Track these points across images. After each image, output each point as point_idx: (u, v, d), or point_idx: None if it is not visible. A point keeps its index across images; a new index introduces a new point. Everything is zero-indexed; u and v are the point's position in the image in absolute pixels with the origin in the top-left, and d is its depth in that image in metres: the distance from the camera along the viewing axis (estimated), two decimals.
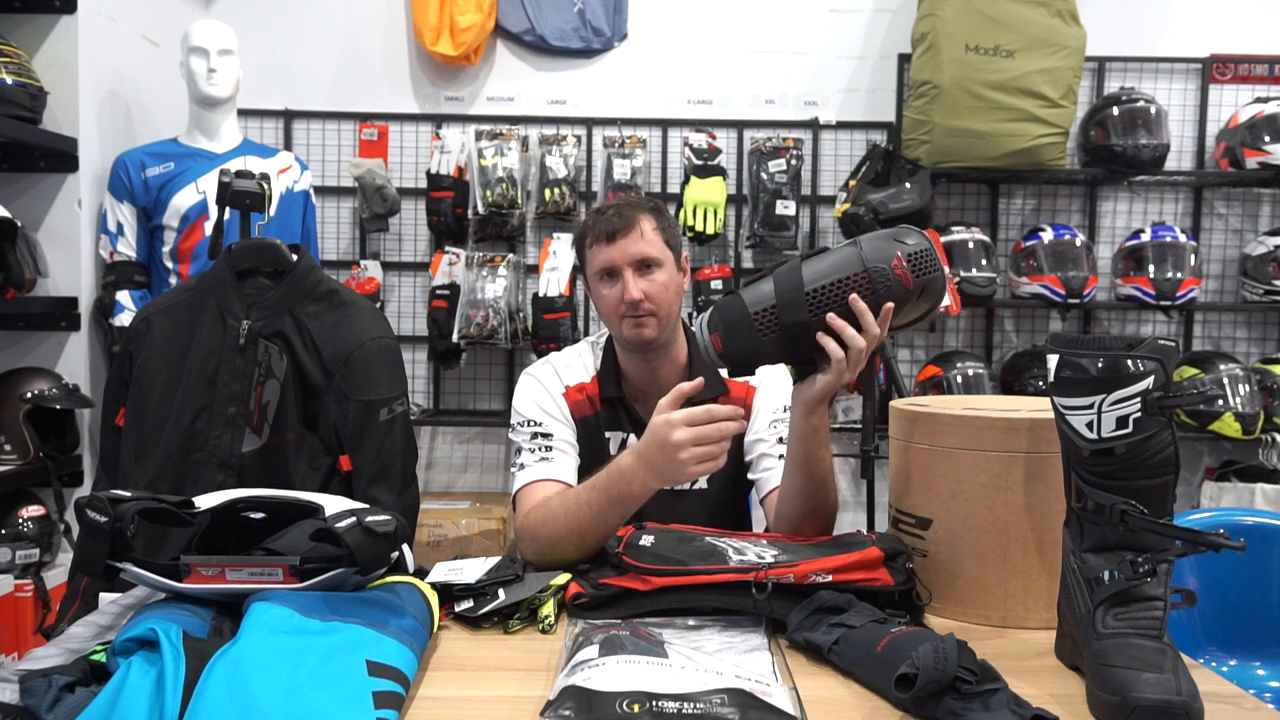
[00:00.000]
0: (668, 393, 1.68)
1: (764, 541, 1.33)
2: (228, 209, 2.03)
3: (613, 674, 0.97)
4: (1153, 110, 3.44)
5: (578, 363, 1.74)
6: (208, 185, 2.89)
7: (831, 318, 1.31)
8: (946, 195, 3.68)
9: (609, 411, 1.70)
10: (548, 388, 1.69)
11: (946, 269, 1.37)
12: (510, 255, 3.51)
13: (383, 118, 3.71)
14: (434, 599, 1.19)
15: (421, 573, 1.29)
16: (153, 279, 2.96)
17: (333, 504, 1.16)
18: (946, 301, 1.34)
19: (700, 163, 3.53)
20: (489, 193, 3.41)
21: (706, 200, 3.47)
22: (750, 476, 1.69)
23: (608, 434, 1.70)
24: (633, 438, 1.69)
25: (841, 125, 3.71)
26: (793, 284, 1.32)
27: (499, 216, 3.45)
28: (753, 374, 1.50)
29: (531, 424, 1.65)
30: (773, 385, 1.70)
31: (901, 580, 1.24)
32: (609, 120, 3.68)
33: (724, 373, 1.70)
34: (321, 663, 0.93)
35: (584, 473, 1.61)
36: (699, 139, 3.57)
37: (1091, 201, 3.74)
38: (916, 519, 1.35)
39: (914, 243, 1.33)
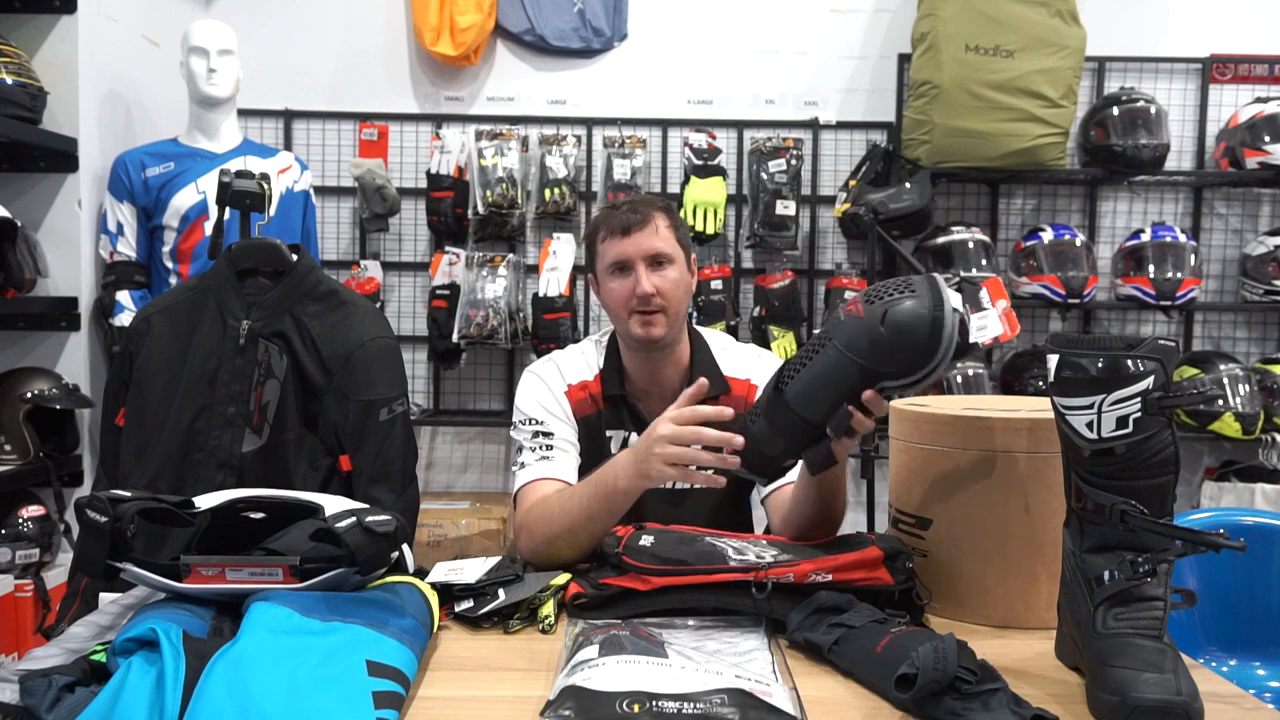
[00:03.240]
0: (670, 392, 1.69)
1: (764, 542, 1.33)
2: (228, 209, 2.03)
3: (613, 674, 0.97)
4: (1153, 110, 3.44)
5: (580, 360, 1.74)
6: (208, 185, 2.89)
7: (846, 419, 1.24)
8: (946, 195, 3.68)
9: (611, 410, 1.70)
10: (550, 386, 1.69)
11: (995, 309, 1.29)
12: (510, 255, 3.51)
13: (383, 118, 3.71)
14: (434, 599, 1.19)
15: (421, 573, 1.29)
16: (153, 279, 2.96)
17: (333, 504, 1.16)
18: (992, 333, 1.26)
19: (700, 163, 3.53)
20: (489, 193, 3.41)
21: (706, 200, 3.47)
22: None
23: (609, 432, 1.70)
24: (634, 436, 1.69)
25: (841, 125, 3.71)
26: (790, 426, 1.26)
27: (499, 216, 3.45)
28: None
29: (533, 422, 1.65)
30: None
31: (901, 580, 1.24)
32: (609, 120, 3.67)
33: (726, 371, 1.71)
34: (321, 663, 0.93)
35: (585, 471, 1.61)
36: (699, 139, 3.57)
37: (1091, 201, 3.74)
38: (916, 519, 1.35)
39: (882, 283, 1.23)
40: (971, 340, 1.24)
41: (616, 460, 1.45)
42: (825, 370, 1.23)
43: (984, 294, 1.28)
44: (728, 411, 1.35)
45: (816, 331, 1.27)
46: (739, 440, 1.30)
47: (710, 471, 1.36)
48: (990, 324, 1.25)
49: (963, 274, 3.33)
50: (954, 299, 1.20)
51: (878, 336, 1.18)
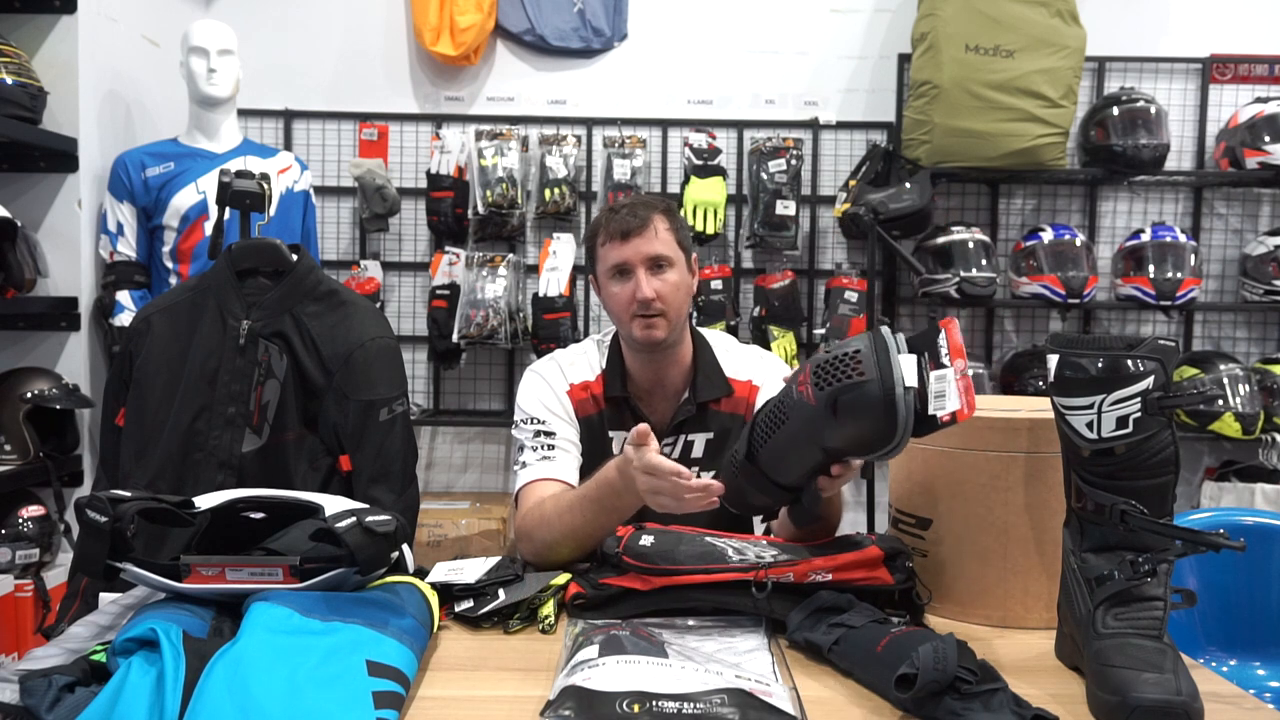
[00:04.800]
0: (672, 393, 1.69)
1: (764, 542, 1.33)
2: (228, 209, 2.03)
3: (613, 674, 0.97)
4: (1153, 110, 3.44)
5: (582, 360, 1.73)
6: (208, 185, 2.89)
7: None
8: (946, 195, 3.68)
9: (613, 410, 1.70)
10: (552, 385, 1.69)
11: (954, 370, 1.22)
12: (510, 255, 3.51)
13: (383, 118, 3.71)
14: (434, 599, 1.19)
15: (421, 573, 1.29)
16: (153, 279, 2.96)
17: (333, 504, 1.16)
18: (950, 408, 1.21)
19: (700, 163, 3.53)
20: (489, 193, 3.41)
21: (706, 200, 3.47)
22: None
23: (611, 433, 1.70)
24: None
25: (841, 125, 3.71)
26: (756, 472, 1.30)
27: (499, 216, 3.45)
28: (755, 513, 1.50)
29: (535, 422, 1.65)
30: (775, 384, 1.70)
31: (901, 580, 1.24)
32: (609, 120, 3.67)
33: (728, 372, 1.70)
34: (321, 663, 0.93)
35: (586, 471, 1.61)
36: (699, 139, 3.57)
37: (1091, 201, 3.74)
38: (916, 519, 1.35)
39: (835, 350, 1.19)
40: (930, 412, 1.19)
41: (610, 479, 1.41)
42: (788, 447, 1.26)
43: (942, 341, 1.22)
44: (714, 494, 1.30)
45: (779, 397, 1.28)
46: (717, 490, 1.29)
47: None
48: (949, 392, 1.19)
49: (962, 274, 3.33)
50: (907, 370, 1.15)
51: (830, 424, 1.19)
